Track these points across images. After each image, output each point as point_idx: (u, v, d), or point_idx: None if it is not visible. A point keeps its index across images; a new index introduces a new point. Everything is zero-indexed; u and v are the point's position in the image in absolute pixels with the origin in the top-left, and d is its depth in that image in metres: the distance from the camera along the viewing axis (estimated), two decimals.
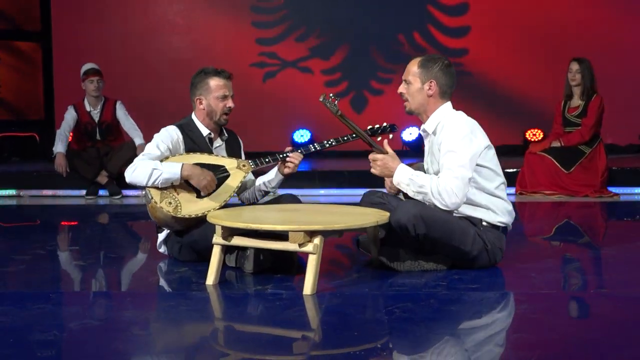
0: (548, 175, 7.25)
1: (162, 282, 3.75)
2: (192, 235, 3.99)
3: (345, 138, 4.34)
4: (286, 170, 4.24)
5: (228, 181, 4.09)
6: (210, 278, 3.58)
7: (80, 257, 4.45)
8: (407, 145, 10.02)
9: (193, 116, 4.25)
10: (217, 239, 3.58)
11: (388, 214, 3.71)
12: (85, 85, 7.62)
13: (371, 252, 3.94)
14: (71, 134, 7.73)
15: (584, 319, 2.94)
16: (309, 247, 3.36)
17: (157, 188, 3.91)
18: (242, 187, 4.26)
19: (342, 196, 7.55)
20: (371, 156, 3.86)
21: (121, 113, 7.73)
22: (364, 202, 4.16)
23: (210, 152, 4.20)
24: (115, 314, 3.07)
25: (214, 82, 4.17)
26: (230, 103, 4.20)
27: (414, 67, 3.92)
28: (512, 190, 7.41)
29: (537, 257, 4.14)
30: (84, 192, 7.72)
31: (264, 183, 4.33)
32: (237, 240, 3.56)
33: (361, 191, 7.26)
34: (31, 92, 10.68)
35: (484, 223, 3.80)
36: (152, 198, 3.90)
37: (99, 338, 2.74)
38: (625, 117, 9.58)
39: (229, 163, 4.17)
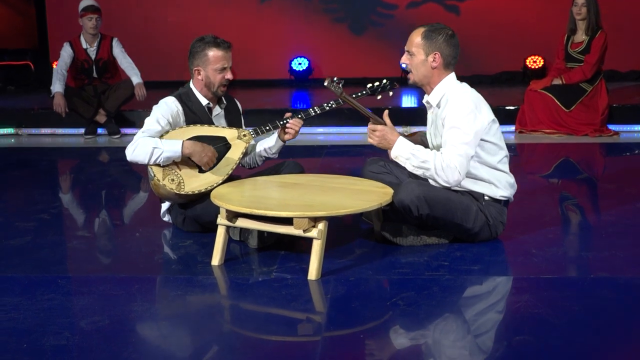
0: (548, 114, 7.24)
1: (168, 262, 3.78)
2: (195, 210, 4.02)
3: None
4: (286, 137, 4.23)
5: (229, 153, 4.09)
6: (216, 259, 3.63)
7: (84, 224, 4.49)
8: (405, 72, 9.90)
9: (191, 85, 4.20)
10: (222, 220, 3.60)
11: (391, 191, 3.73)
12: (83, 22, 7.49)
13: (374, 224, 3.99)
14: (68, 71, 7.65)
15: (585, 313, 2.99)
16: (313, 233, 3.40)
17: (158, 165, 3.90)
18: (244, 155, 4.24)
19: (341, 134, 7.54)
20: (370, 126, 3.84)
21: (118, 50, 7.63)
22: (366, 171, 4.17)
23: (210, 123, 4.17)
24: (125, 308, 3.12)
25: (213, 54, 4.10)
26: (228, 75, 4.14)
27: (417, 38, 3.85)
28: (512, 128, 7.42)
29: (536, 224, 4.18)
30: (82, 130, 7.72)
31: (264, 149, 4.32)
32: (241, 222, 3.59)
33: (360, 130, 7.36)
34: (23, 20, 10.48)
35: (486, 197, 3.83)
36: (154, 175, 3.90)
37: (111, 343, 2.79)
38: (628, 43, 9.47)
39: (230, 134, 4.15)
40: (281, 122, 4.20)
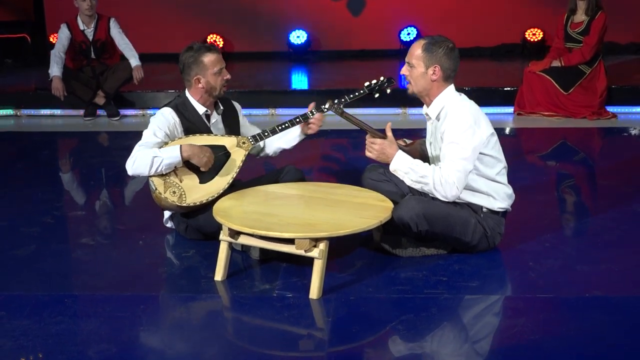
0: (546, 96, 7.26)
1: (171, 277, 3.84)
2: (197, 220, 4.08)
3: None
4: (310, 131, 4.30)
5: (229, 162, 4.13)
6: (219, 274, 3.70)
7: (87, 229, 4.52)
8: (404, 44, 9.90)
9: (187, 95, 4.22)
10: (224, 236, 3.66)
11: (391, 205, 3.79)
12: (78, 4, 7.45)
13: (373, 234, 4.05)
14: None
15: (581, 338, 3.07)
16: (314, 253, 3.46)
17: (160, 177, 3.95)
18: (243, 163, 4.25)
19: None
20: (369, 139, 3.86)
21: (115, 31, 7.59)
22: (366, 178, 4.21)
23: (208, 131, 4.20)
24: (131, 333, 3.19)
25: (209, 59, 4.13)
26: (227, 75, 4.19)
27: (417, 50, 3.86)
28: (510, 109, 7.44)
29: (533, 228, 4.26)
30: (82, 111, 7.73)
31: (285, 143, 4.41)
32: (243, 239, 3.65)
33: (357, 111, 7.35)
34: None
35: (485, 209, 3.88)
36: (155, 189, 3.95)
37: None
38: (627, 15, 9.42)
39: (229, 142, 4.18)
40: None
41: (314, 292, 3.48)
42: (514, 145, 6.52)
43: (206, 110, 4.23)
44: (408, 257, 3.91)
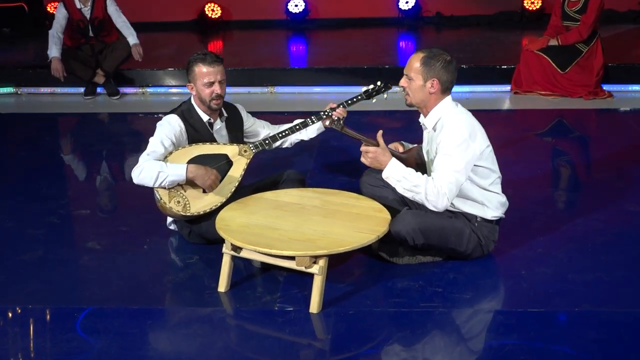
0: (543, 75, 7.31)
1: (176, 287, 3.95)
2: (200, 227, 4.20)
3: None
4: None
5: (232, 171, 4.23)
6: (222, 285, 3.84)
7: (93, 231, 4.61)
8: (402, 13, 9.89)
9: (192, 101, 4.30)
10: (227, 250, 3.79)
11: (388, 217, 3.90)
12: None
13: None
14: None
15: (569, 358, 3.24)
16: (314, 269, 3.59)
17: (164, 188, 4.05)
18: (245, 172, 4.33)
19: (337, 94, 7.57)
20: (363, 147, 3.95)
21: (112, 9, 7.60)
22: (364, 183, 4.32)
23: (212, 139, 4.29)
24: (139, 352, 3.34)
25: (199, 69, 4.21)
26: (217, 89, 4.23)
27: (416, 64, 3.93)
28: (507, 88, 7.50)
29: (527, 232, 4.38)
30: (82, 89, 7.78)
31: (304, 134, 4.59)
32: (245, 253, 3.77)
33: (357, 89, 7.37)
34: None
35: (479, 219, 4.00)
36: (160, 198, 4.06)
37: None
38: None
39: (231, 150, 4.28)
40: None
41: (314, 306, 3.62)
42: (509, 127, 6.59)
43: (209, 118, 4.31)
44: (405, 265, 4.04)
